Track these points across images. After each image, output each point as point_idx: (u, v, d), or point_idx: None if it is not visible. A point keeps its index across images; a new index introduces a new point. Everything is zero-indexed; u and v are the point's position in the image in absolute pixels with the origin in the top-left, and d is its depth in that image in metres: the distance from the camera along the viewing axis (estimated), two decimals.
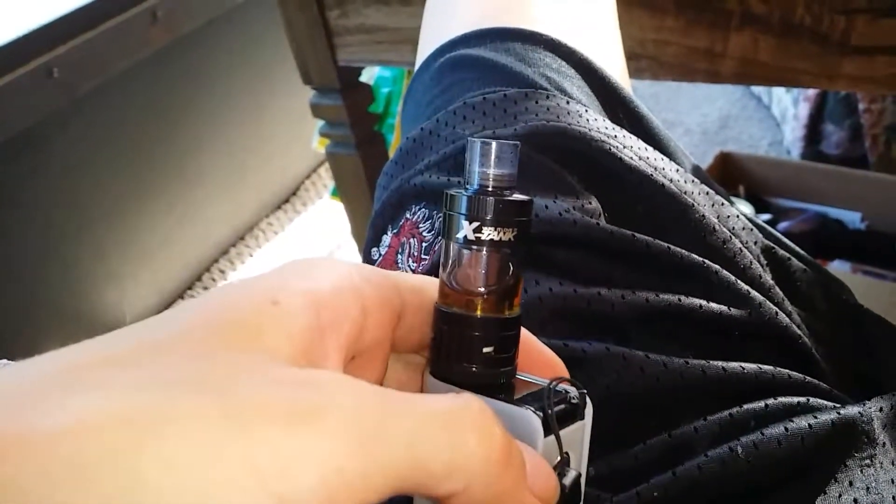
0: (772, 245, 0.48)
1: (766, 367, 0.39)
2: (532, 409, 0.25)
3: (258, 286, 0.22)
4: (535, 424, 0.25)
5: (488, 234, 0.25)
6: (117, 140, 1.69)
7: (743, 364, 0.38)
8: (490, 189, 0.26)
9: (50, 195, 1.57)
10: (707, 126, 2.22)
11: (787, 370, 0.40)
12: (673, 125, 2.23)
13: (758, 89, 2.25)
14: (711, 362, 0.38)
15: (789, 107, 1.98)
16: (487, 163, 0.26)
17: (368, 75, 1.33)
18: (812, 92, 1.82)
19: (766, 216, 1.62)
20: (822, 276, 0.51)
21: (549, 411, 0.25)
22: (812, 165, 1.72)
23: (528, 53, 0.49)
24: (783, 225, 1.59)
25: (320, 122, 1.19)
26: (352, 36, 1.05)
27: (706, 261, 0.42)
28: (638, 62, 0.88)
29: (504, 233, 0.26)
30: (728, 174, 1.73)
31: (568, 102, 0.46)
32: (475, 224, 0.25)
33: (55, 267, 1.60)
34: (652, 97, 2.35)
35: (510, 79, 0.48)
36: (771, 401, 0.37)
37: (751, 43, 0.83)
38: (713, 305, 0.41)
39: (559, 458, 0.25)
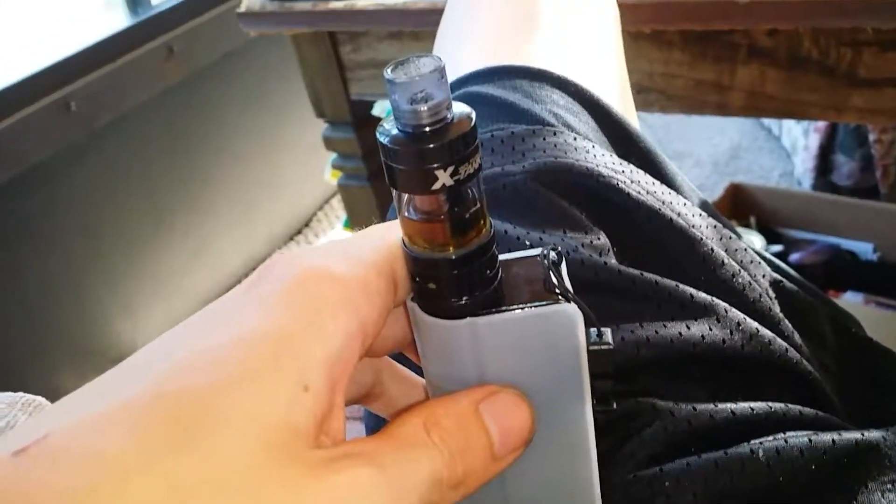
0: (780, 278, 0.48)
1: (776, 406, 0.39)
2: (556, 300, 0.25)
3: (289, 367, 0.22)
4: (573, 317, 0.25)
5: (465, 170, 0.23)
6: (133, 172, 1.71)
7: (752, 405, 0.38)
8: (434, 123, 0.23)
9: (65, 226, 1.59)
10: (718, 157, 2.22)
11: (799, 406, 0.40)
12: (683, 156, 2.24)
13: (768, 120, 2.26)
14: (720, 405, 0.38)
15: (800, 138, 1.99)
16: (420, 97, 0.22)
17: (381, 108, 1.34)
18: (822, 123, 1.82)
19: (778, 247, 1.62)
20: (830, 309, 0.51)
21: (569, 295, 0.25)
22: (823, 196, 1.72)
23: (536, 91, 0.50)
24: (795, 256, 1.59)
25: (333, 155, 1.20)
26: (364, 70, 1.07)
27: (715, 299, 0.42)
28: (647, 95, 0.89)
29: (476, 159, 0.23)
30: (739, 205, 1.73)
31: (575, 139, 0.47)
32: (451, 168, 0.23)
33: (69, 297, 1.62)
34: (663, 128, 2.36)
35: (518, 116, 0.48)
36: (780, 435, 0.37)
37: (758, 76, 0.83)
38: (726, 344, 0.41)
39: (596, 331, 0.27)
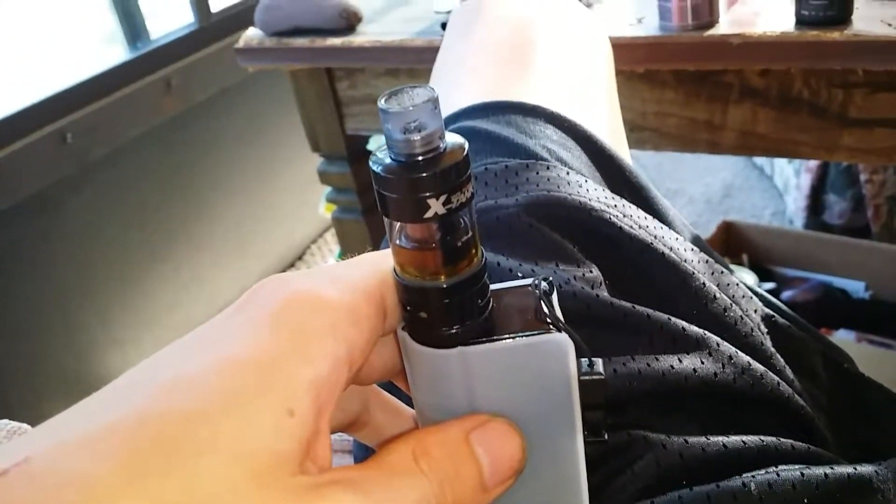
0: (772, 313, 0.49)
1: (767, 439, 0.39)
2: (547, 330, 0.25)
3: (274, 391, 0.21)
4: (563, 346, 0.25)
5: (457, 199, 0.23)
6: (127, 205, 1.71)
7: (744, 438, 0.38)
8: (427, 152, 0.23)
9: (59, 258, 1.59)
10: (710, 195, 2.24)
11: (791, 440, 0.40)
12: (676, 194, 2.25)
13: (760, 160, 2.28)
14: (711, 438, 0.38)
15: (791, 177, 2.00)
16: (413, 127, 0.22)
17: (377, 143, 1.35)
18: (814, 163, 1.84)
19: (770, 285, 1.62)
20: (822, 345, 0.51)
21: (562, 325, 0.25)
22: (815, 235, 1.73)
23: (529, 126, 0.51)
24: (787, 294, 1.59)
25: (327, 189, 1.21)
26: (360, 106, 1.08)
27: (707, 332, 0.42)
28: (640, 133, 0.90)
29: (468, 189, 0.23)
30: (731, 243, 1.73)
31: (568, 173, 0.47)
32: (443, 197, 0.23)
33: (60, 329, 1.61)
34: (655, 167, 2.38)
35: (511, 150, 0.49)
36: (772, 468, 0.37)
37: (750, 115, 0.84)
38: (718, 377, 0.41)
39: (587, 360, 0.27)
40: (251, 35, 1.05)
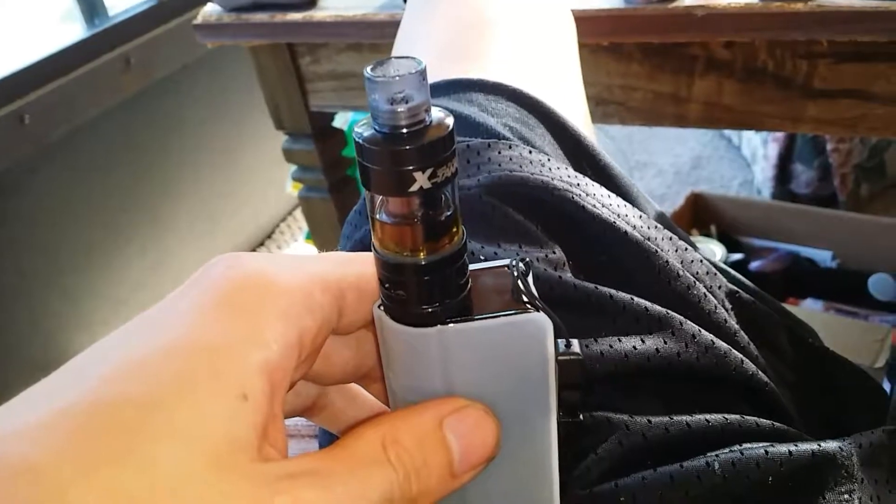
0: (736, 289, 0.48)
1: (731, 417, 0.39)
2: (525, 309, 0.25)
3: (226, 376, 0.21)
4: (542, 326, 0.25)
5: (443, 173, 0.23)
6: (89, 186, 1.68)
7: (708, 417, 0.38)
8: (412, 124, 0.22)
9: (20, 242, 1.56)
10: (679, 166, 2.24)
11: (755, 418, 0.40)
12: (646, 166, 2.26)
13: (728, 130, 2.29)
14: (675, 418, 0.38)
15: (759, 147, 2.01)
16: (399, 98, 0.22)
17: (343, 119, 1.33)
18: (780, 133, 1.85)
19: (738, 256, 1.63)
20: (787, 319, 0.52)
21: (542, 305, 0.25)
22: (783, 205, 1.75)
23: (491, 104, 0.50)
24: (755, 264, 1.60)
25: (293, 167, 1.19)
26: (323, 82, 1.06)
27: (670, 311, 0.41)
28: (606, 107, 0.89)
29: (453, 163, 0.23)
30: (700, 214, 1.74)
31: (530, 152, 0.46)
32: (429, 170, 0.22)
33: (25, 314, 1.58)
34: (625, 138, 2.38)
35: (473, 129, 0.48)
36: (737, 447, 0.37)
37: (715, 87, 0.84)
38: (681, 356, 0.41)
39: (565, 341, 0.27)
40: (209, 10, 1.03)
